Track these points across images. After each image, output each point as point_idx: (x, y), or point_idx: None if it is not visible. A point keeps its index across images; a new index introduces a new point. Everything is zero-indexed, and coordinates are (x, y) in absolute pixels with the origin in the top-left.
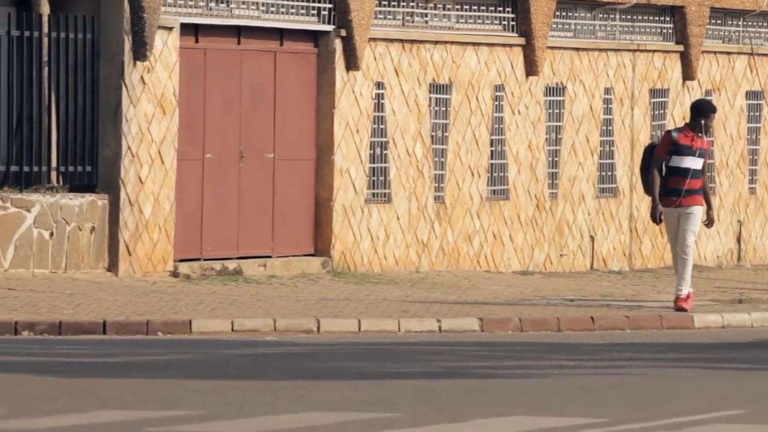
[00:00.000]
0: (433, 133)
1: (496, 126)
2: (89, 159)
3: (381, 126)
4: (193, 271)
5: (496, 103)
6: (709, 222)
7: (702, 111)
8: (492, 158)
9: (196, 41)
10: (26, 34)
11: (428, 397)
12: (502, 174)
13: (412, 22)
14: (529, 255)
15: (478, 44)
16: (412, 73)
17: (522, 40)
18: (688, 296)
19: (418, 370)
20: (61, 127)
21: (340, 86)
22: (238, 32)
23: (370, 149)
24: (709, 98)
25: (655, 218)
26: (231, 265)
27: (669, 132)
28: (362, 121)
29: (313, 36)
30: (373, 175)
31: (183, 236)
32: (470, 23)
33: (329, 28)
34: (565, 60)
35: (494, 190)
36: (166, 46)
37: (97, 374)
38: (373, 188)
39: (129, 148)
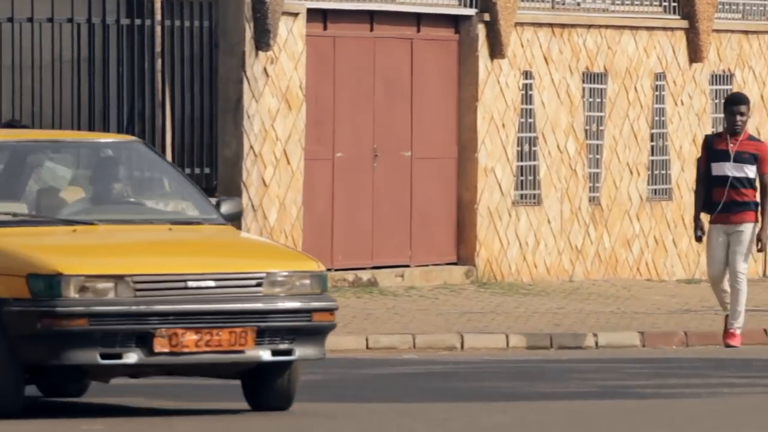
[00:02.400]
0: (587, 127)
1: (657, 118)
2: (208, 160)
3: (529, 120)
4: None
5: (657, 93)
6: (760, 245)
7: (725, 105)
8: (652, 154)
9: (325, 28)
10: (137, 22)
11: (584, 419)
12: (663, 172)
13: (563, 4)
14: (694, 261)
15: (636, 28)
16: (563, 60)
17: (685, 23)
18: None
19: (573, 390)
20: (177, 125)
21: (484, 76)
22: (371, 17)
23: (518, 146)
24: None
25: (695, 236)
26: (365, 275)
27: (706, 136)
28: (508, 114)
29: (454, 21)
30: (521, 175)
31: (312, 244)
32: (627, 5)
33: (471, 12)
34: (732, 44)
35: (655, 190)
36: (291, 33)
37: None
38: (521, 189)
39: (251, 147)
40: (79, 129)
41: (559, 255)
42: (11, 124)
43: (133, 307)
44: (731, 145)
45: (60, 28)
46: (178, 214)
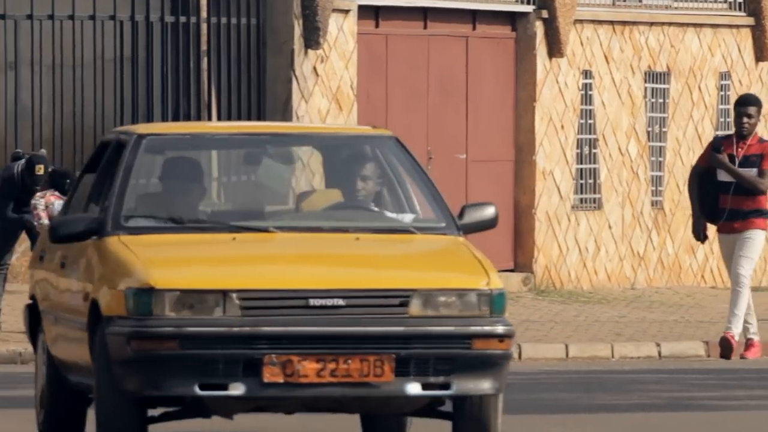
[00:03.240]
0: (649, 129)
1: (722, 119)
2: None
3: (589, 121)
4: None
5: (722, 93)
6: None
7: (734, 106)
8: None
9: (377, 25)
10: (182, 19)
11: None
12: None
13: (624, 1)
14: (761, 268)
15: (700, 25)
16: (625, 59)
17: (751, 20)
18: (742, 341)
19: (635, 402)
20: None
21: (542, 75)
22: (425, 14)
23: (577, 148)
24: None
25: (698, 235)
26: None
27: (715, 137)
28: (567, 115)
29: (511, 18)
30: (581, 178)
31: None
32: (690, 1)
33: (529, 8)
34: None
35: None
36: (341, 31)
37: None
38: (581, 193)
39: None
40: None
41: (621, 261)
42: (17, 157)
43: (235, 329)
44: (739, 149)
45: (102, 26)
46: (393, 221)
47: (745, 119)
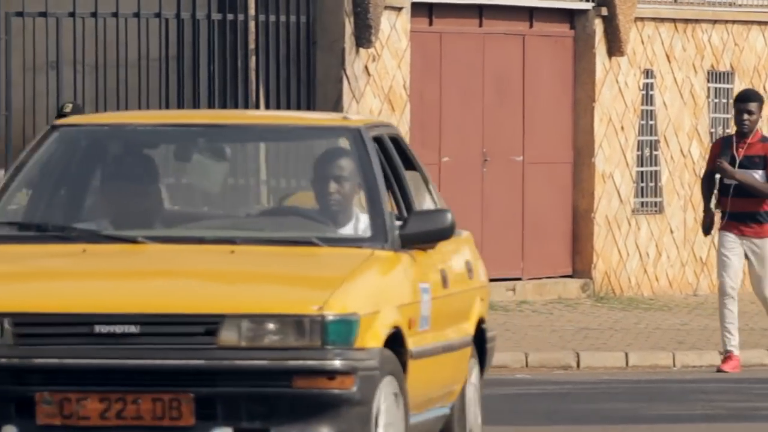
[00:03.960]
0: (713, 130)
1: None
2: None
3: (650, 122)
4: None
5: None
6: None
7: (735, 103)
8: None
9: (430, 23)
10: (229, 17)
11: None
12: None
13: None
14: None
15: (765, 23)
16: (687, 58)
17: None
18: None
19: (698, 413)
20: None
21: (601, 75)
22: (480, 12)
23: (638, 150)
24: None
25: (704, 229)
26: None
27: (717, 139)
28: (628, 116)
29: (569, 16)
30: (642, 181)
31: None
32: None
33: (588, 6)
34: None
35: None
36: (394, 29)
37: None
38: (642, 196)
39: None
40: None
41: (683, 267)
42: (62, 113)
43: (3, 360)
44: (739, 149)
45: (147, 24)
46: (300, 231)
47: (746, 116)
